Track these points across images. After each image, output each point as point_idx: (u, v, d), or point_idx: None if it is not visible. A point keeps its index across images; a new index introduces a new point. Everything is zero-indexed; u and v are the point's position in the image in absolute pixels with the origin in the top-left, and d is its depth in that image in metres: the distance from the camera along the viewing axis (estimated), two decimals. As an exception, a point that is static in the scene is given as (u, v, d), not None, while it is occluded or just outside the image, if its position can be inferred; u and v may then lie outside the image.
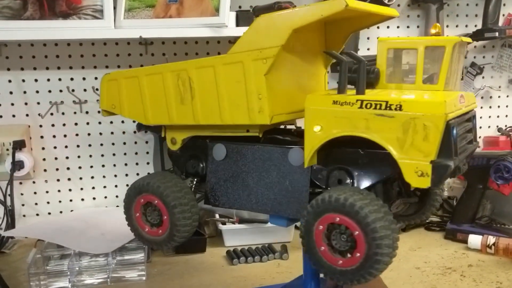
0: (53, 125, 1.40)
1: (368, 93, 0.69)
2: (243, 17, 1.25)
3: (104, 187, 1.46)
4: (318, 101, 0.69)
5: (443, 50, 0.70)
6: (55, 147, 1.41)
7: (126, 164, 1.46)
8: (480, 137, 1.59)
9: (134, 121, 1.40)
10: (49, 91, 1.38)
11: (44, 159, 1.41)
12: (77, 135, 1.41)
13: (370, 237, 0.62)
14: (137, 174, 1.46)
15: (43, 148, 1.40)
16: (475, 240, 1.21)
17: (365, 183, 0.70)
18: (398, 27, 1.52)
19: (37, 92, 1.37)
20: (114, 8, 1.25)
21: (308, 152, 0.71)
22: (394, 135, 0.63)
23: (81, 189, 1.44)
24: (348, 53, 0.71)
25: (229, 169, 0.81)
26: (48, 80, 1.37)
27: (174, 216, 0.80)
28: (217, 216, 1.35)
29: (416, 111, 0.62)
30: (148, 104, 0.84)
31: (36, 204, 1.42)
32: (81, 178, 1.44)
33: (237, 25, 1.24)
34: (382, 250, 0.61)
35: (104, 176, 1.45)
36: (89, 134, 1.42)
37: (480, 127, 1.60)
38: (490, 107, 1.60)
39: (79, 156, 1.43)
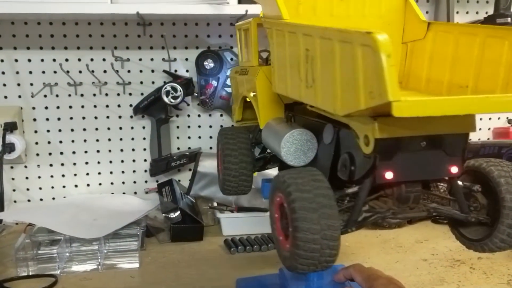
0: (46, 108, 1.34)
1: None
2: (245, -5, 1.19)
3: (99, 173, 1.40)
4: None
5: None
6: (48, 131, 1.36)
7: (122, 150, 1.40)
8: (489, 128, 1.55)
9: (131, 105, 1.40)
10: (43, 72, 1.32)
11: (36, 143, 1.36)
12: (71, 118, 1.36)
13: None
14: (133, 160, 1.41)
15: (35, 131, 1.35)
16: (484, 232, 1.17)
17: None
18: (406, 12, 1.47)
19: (30, 72, 1.32)
20: (111, -16, 1.20)
21: None
22: None
23: (75, 175, 1.39)
24: None
25: None
26: (42, 60, 1.32)
27: None
28: (215, 204, 1.30)
29: None
30: None
31: (27, 189, 1.37)
32: (75, 164, 1.39)
33: (239, 2, 1.19)
34: None
35: (99, 162, 1.40)
36: (83, 118, 1.37)
37: (490, 118, 1.54)
38: (500, 97, 1.55)
39: (73, 141, 1.37)
